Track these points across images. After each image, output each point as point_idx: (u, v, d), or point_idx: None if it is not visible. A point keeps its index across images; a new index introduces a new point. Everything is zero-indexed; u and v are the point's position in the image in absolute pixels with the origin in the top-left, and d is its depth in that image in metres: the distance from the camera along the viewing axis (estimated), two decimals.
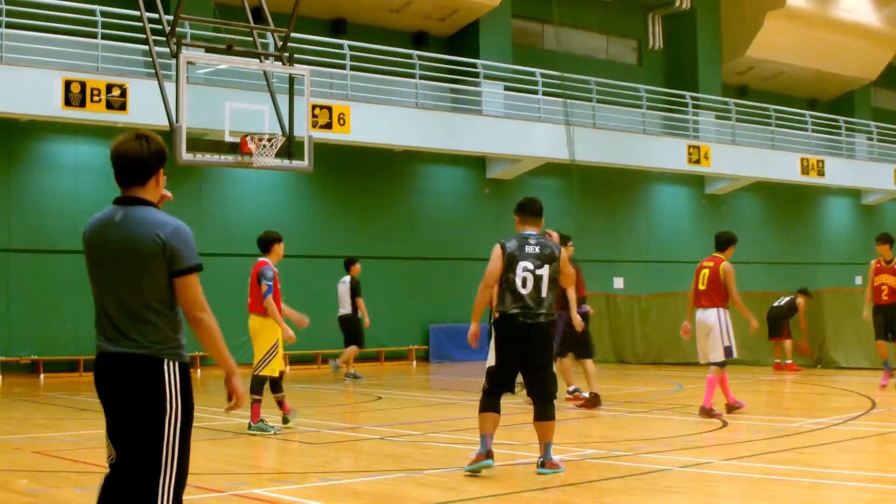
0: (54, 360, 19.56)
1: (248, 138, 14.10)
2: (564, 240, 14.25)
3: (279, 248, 11.06)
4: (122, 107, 18.47)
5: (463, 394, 15.30)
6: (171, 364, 4.36)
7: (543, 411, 8.16)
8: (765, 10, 31.51)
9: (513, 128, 24.68)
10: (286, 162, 14.63)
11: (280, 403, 11.10)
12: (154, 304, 4.34)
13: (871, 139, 34.78)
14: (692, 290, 11.85)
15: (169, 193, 4.76)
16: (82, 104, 18.12)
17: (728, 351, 11.57)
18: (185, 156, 13.64)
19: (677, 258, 29.77)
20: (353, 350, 18.43)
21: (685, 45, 31.45)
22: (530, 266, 8.10)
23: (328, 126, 20.94)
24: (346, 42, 22.81)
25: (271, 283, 10.69)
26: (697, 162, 28.20)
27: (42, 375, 19.11)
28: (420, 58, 24.04)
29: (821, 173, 31.36)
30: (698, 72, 31.15)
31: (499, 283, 8.20)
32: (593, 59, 29.99)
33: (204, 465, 8.98)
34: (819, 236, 34.01)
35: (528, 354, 8.13)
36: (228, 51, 14.56)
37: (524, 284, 8.07)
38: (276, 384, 10.95)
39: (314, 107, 19.90)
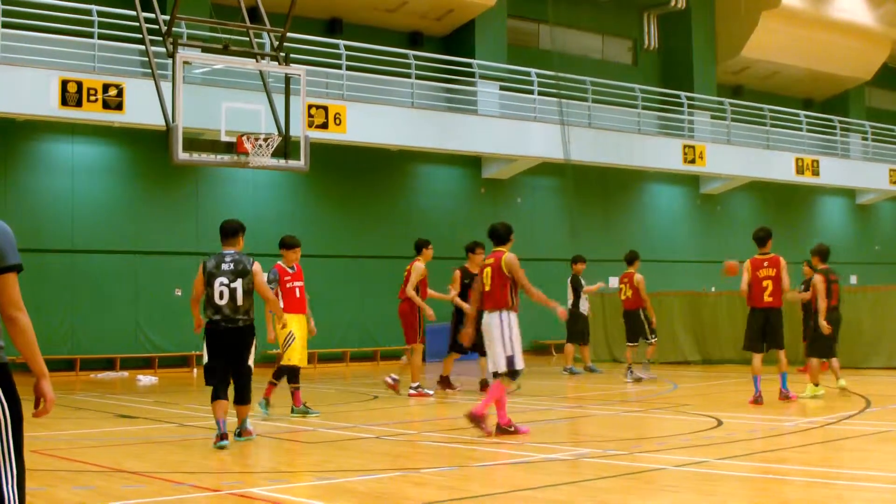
0: (50, 359, 19.41)
1: (245, 138, 14.12)
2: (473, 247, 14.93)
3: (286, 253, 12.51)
4: (119, 106, 18.50)
5: (458, 393, 15.32)
6: None
7: (241, 396, 9.95)
8: (759, 10, 31.58)
9: (508, 127, 24.72)
10: (282, 162, 14.65)
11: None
12: None
13: (865, 139, 34.86)
14: (476, 293, 10.61)
15: None
16: (79, 104, 18.13)
17: (510, 361, 10.07)
18: (182, 155, 13.67)
19: (672, 258, 29.86)
20: (572, 347, 19.56)
21: (680, 44, 31.52)
22: (225, 281, 9.70)
23: (324, 126, 20.97)
24: (341, 42, 22.84)
25: (273, 285, 12.07)
26: (692, 162, 28.26)
27: None
28: (416, 58, 24.07)
29: (815, 173, 31.44)
30: (693, 71, 31.22)
31: (204, 295, 9.82)
32: (589, 59, 30.04)
33: (200, 464, 9.00)
34: (813, 236, 34.00)
35: (231, 352, 9.77)
36: (225, 50, 14.58)
37: (221, 297, 9.69)
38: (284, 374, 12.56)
39: (310, 106, 19.94)
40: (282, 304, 11.90)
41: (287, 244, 12.42)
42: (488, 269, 10.34)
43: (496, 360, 10.14)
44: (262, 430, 10.81)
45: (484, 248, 15.09)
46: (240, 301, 9.69)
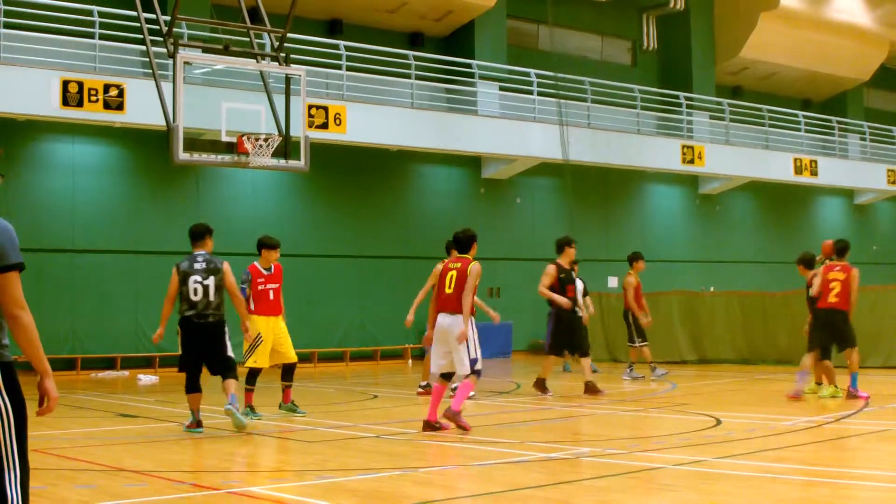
0: (52, 358, 19.39)
1: (245, 138, 14.15)
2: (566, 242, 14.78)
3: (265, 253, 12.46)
4: (120, 107, 18.54)
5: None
6: None
7: (225, 373, 10.69)
8: (758, 11, 31.63)
9: (508, 128, 24.76)
10: (282, 162, 14.67)
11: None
12: None
13: (863, 139, 34.92)
14: (435, 295, 10.77)
15: None
16: (80, 104, 18.18)
17: (473, 363, 10.46)
18: (182, 155, 13.69)
19: (671, 258, 29.90)
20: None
21: (679, 45, 31.57)
22: (199, 278, 10.58)
23: (324, 126, 21.01)
24: (342, 42, 22.88)
25: (244, 286, 12.11)
26: (691, 162, 28.31)
27: None
28: (416, 58, 24.11)
29: (814, 173, 31.49)
30: (692, 72, 31.27)
31: (179, 294, 10.63)
32: (588, 60, 30.08)
33: (200, 462, 9.05)
34: (812, 236, 34.06)
35: (204, 345, 10.66)
36: (225, 51, 14.59)
37: (195, 293, 10.57)
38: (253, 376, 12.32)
39: (310, 107, 19.98)
40: (252, 307, 11.97)
41: (267, 244, 12.35)
42: (454, 273, 10.61)
43: (462, 363, 10.46)
44: (263, 430, 10.86)
45: (576, 242, 15.15)
46: (212, 297, 10.60)
